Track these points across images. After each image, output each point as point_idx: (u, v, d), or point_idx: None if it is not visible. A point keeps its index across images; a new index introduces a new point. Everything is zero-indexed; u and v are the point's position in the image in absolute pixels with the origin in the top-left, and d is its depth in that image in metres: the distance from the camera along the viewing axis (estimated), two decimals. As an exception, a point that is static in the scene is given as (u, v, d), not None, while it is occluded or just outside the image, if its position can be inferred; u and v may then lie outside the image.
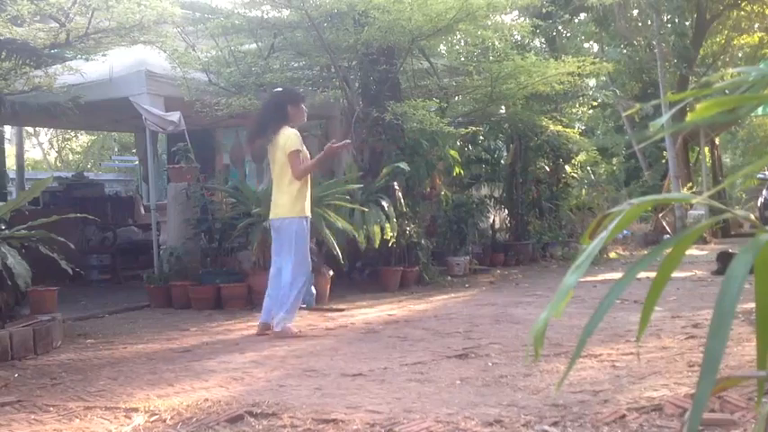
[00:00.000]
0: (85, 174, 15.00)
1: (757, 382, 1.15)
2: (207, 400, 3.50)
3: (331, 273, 7.41)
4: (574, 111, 13.96)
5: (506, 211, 12.46)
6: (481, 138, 11.88)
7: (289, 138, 5.61)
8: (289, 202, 5.61)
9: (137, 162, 14.65)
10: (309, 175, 5.78)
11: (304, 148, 5.74)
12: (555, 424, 2.90)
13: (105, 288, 9.32)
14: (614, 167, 20.53)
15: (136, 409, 3.38)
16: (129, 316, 6.94)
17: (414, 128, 8.55)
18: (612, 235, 1.12)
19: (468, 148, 11.88)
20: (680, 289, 7.35)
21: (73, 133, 23.50)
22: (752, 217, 1.21)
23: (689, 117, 1.16)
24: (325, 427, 3.01)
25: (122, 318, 6.83)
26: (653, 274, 1.06)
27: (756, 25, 17.66)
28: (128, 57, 8.04)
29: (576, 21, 17.63)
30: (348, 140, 6.49)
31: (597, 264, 10.41)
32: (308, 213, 5.73)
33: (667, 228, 15.04)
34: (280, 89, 6.02)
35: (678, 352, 4.26)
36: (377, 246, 7.66)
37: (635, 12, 16.17)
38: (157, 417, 3.26)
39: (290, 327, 5.48)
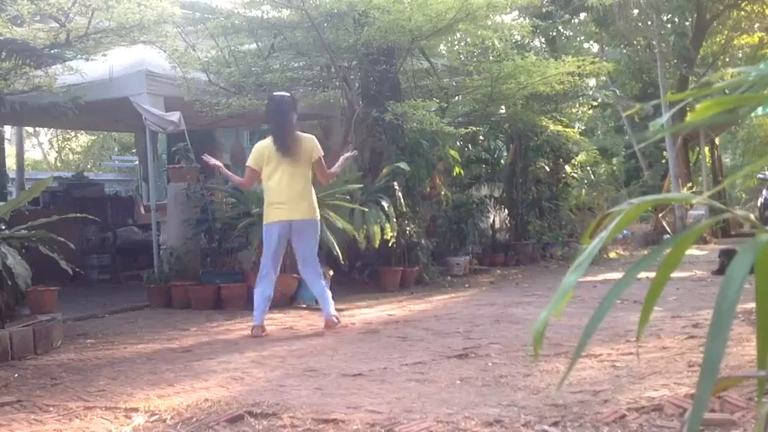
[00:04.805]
0: (85, 174, 15.00)
1: (757, 382, 1.15)
2: (207, 400, 3.50)
3: (331, 273, 7.40)
4: (574, 111, 13.97)
5: (506, 211, 12.47)
6: (481, 138, 11.89)
7: (315, 143, 5.86)
8: (313, 204, 5.84)
9: (137, 162, 14.65)
10: None
11: None
12: (555, 424, 2.90)
13: (105, 288, 9.31)
14: (614, 167, 20.54)
15: (136, 409, 3.38)
16: (129, 316, 6.94)
17: (414, 128, 8.55)
18: (612, 235, 1.12)
19: (468, 148, 11.88)
20: (680, 289, 7.35)
21: (73, 133, 23.49)
22: (752, 217, 1.21)
23: (689, 117, 1.16)
24: (325, 427, 3.01)
25: (122, 318, 6.83)
26: (653, 274, 1.06)
27: (756, 25, 17.66)
28: (128, 57, 8.04)
29: (576, 21, 17.64)
30: (356, 151, 7.01)
31: (597, 264, 10.41)
32: None
33: (667, 228, 15.04)
34: (287, 94, 6.13)
35: (678, 352, 4.26)
36: (377, 246, 7.66)
37: (635, 12, 16.16)
38: (157, 417, 3.26)
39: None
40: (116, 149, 22.89)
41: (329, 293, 5.82)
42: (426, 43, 9.18)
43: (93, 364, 4.65)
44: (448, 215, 10.46)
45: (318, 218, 5.90)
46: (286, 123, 5.80)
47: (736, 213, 1.19)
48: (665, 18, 15.76)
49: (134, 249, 10.10)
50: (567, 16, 14.67)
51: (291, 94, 6.29)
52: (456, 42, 11.83)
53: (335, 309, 6.50)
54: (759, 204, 14.63)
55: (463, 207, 10.68)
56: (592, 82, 15.43)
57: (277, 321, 6.28)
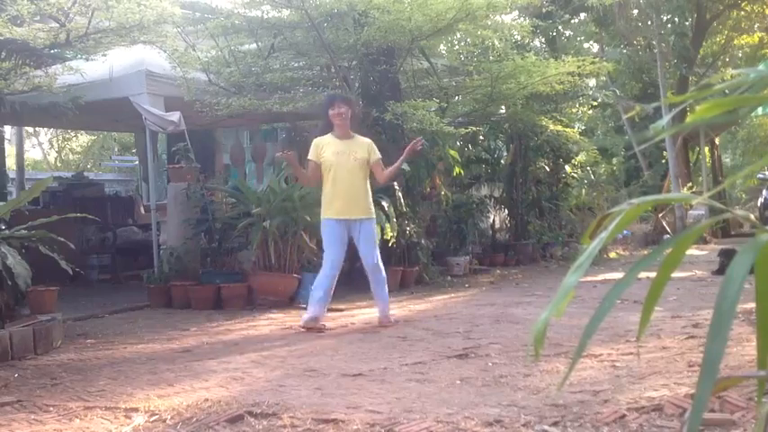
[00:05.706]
0: (85, 174, 14.99)
1: (757, 382, 1.15)
2: (207, 400, 3.50)
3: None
4: (574, 111, 13.97)
5: (506, 211, 12.47)
6: (481, 138, 11.88)
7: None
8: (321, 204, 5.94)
9: (137, 162, 14.65)
10: (332, 176, 5.79)
11: (320, 154, 5.84)
12: (555, 424, 2.90)
13: (105, 288, 9.31)
14: (614, 167, 20.54)
15: (136, 409, 3.38)
16: (129, 316, 6.94)
17: (414, 128, 8.54)
18: (612, 235, 1.12)
19: (469, 148, 11.88)
20: (680, 289, 7.35)
21: (73, 133, 23.49)
22: (752, 217, 1.21)
23: (689, 118, 1.16)
24: (325, 427, 3.01)
25: (122, 318, 6.83)
26: (653, 274, 1.06)
27: (756, 25, 17.66)
28: (128, 57, 8.04)
29: (576, 21, 17.64)
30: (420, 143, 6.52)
31: (597, 264, 10.41)
32: (333, 215, 5.81)
33: (667, 228, 15.05)
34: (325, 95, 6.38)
35: (678, 352, 4.26)
36: (377, 246, 7.65)
37: (635, 12, 16.17)
38: (157, 417, 3.26)
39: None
40: (116, 149, 22.89)
41: (316, 302, 5.70)
42: (426, 43, 9.18)
43: (93, 364, 4.65)
44: (448, 215, 10.46)
45: (322, 218, 5.92)
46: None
47: (736, 213, 1.19)
48: (665, 18, 15.75)
49: (134, 249, 10.09)
50: (567, 16, 14.68)
51: (329, 94, 6.53)
52: (456, 42, 11.82)
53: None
54: (759, 204, 14.63)
55: (463, 207, 10.68)
56: (592, 82, 15.44)
57: (277, 321, 6.28)
